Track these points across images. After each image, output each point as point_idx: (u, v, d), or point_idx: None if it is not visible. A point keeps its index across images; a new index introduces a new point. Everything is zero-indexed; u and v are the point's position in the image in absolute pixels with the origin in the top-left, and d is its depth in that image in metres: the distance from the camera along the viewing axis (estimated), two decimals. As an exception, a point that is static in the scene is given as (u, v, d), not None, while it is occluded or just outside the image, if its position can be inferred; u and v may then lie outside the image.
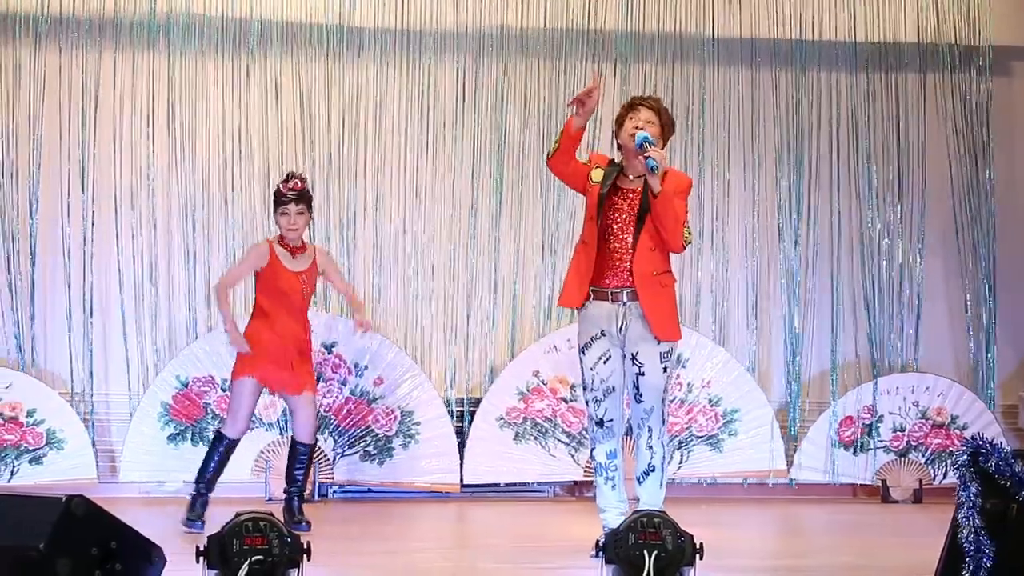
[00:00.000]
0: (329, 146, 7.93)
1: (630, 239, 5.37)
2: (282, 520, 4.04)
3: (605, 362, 5.37)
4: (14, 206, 7.68)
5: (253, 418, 7.50)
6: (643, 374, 5.36)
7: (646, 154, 5.23)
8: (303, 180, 6.33)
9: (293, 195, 6.22)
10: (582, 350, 5.44)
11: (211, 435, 6.76)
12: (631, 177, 5.46)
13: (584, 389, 5.45)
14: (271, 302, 6.29)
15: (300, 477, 6.42)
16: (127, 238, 7.76)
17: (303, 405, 6.37)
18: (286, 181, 6.30)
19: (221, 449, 6.32)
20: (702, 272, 8.10)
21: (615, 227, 5.41)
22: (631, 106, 5.52)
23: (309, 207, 6.36)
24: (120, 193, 7.77)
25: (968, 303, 8.28)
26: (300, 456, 6.41)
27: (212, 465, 6.31)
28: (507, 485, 7.80)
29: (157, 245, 7.77)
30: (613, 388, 5.39)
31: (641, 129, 5.37)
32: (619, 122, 5.54)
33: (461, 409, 7.83)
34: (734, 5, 8.20)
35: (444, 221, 8.00)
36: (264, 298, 6.32)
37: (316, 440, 6.59)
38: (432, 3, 8.01)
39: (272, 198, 6.39)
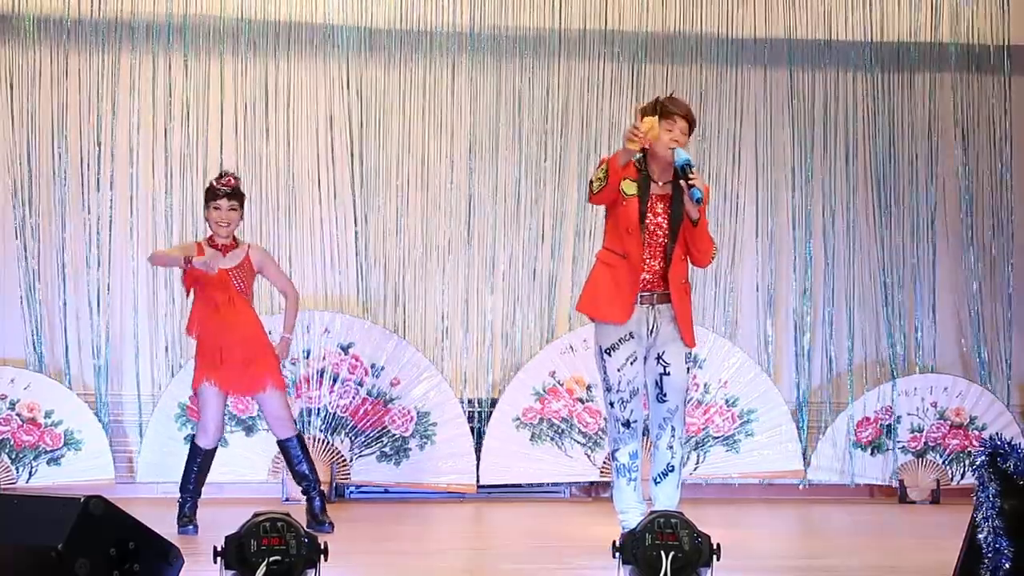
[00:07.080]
0: (347, 145, 7.95)
1: (666, 248, 5.33)
2: (303, 521, 4.03)
3: (632, 363, 5.34)
4: (32, 208, 7.71)
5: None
6: (668, 373, 5.36)
7: (691, 182, 5.13)
8: (236, 178, 6.24)
9: (226, 191, 6.14)
10: (607, 351, 5.35)
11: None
12: (660, 183, 5.37)
13: (608, 390, 5.38)
14: (206, 306, 6.15)
15: (306, 471, 6.26)
16: (144, 238, 7.79)
17: (268, 401, 6.22)
18: (219, 177, 6.20)
19: (199, 459, 6.19)
20: (716, 272, 8.09)
21: (655, 237, 5.34)
22: (664, 112, 5.28)
23: (241, 205, 6.24)
24: (136, 195, 7.80)
25: (985, 303, 8.25)
26: (292, 453, 6.26)
27: (193, 475, 6.19)
28: (523, 486, 7.81)
29: (173, 245, 7.79)
30: (638, 389, 5.36)
31: (678, 143, 5.27)
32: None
33: (478, 410, 7.83)
34: (749, 5, 8.20)
35: (463, 222, 8.01)
36: (200, 304, 6.18)
37: (298, 430, 6.41)
38: (448, 3, 8.03)
39: (204, 195, 6.26)
